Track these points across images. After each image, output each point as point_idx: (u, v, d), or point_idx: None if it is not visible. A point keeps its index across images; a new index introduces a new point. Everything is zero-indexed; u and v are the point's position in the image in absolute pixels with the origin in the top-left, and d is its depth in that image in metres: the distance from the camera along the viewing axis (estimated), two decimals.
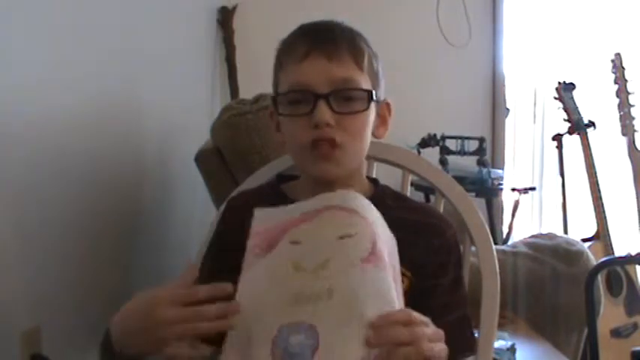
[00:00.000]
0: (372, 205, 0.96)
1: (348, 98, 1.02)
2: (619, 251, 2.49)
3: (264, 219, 0.94)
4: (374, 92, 1.04)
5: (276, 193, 1.12)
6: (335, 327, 0.81)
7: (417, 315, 0.84)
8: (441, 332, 0.86)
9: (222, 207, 1.17)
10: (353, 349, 0.80)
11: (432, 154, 2.42)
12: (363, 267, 0.85)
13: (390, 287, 0.85)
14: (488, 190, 2.53)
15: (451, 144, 2.48)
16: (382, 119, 1.10)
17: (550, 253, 2.24)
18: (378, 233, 0.90)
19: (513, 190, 2.66)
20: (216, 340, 0.86)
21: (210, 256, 1.11)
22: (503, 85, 2.99)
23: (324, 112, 0.99)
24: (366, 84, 1.04)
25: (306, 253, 0.87)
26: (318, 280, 0.84)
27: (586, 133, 2.55)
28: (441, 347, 0.85)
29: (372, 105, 1.05)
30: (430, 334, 0.84)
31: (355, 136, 1.03)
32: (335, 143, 1.00)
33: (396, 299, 0.85)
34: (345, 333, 0.81)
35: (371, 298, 0.83)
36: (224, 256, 1.05)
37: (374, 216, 0.93)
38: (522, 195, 2.70)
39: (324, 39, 1.03)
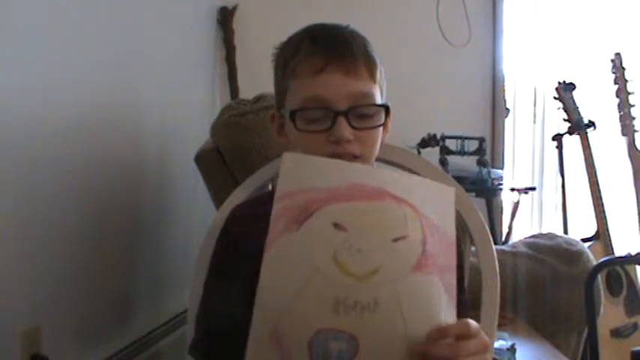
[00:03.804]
0: (417, 179, 0.93)
1: (365, 113, 1.02)
2: (619, 251, 2.49)
3: (294, 171, 0.86)
4: (389, 106, 1.05)
5: None
6: (376, 342, 0.80)
7: (461, 328, 0.83)
8: (486, 341, 0.84)
9: (222, 216, 1.16)
10: None
11: (432, 154, 2.41)
12: (412, 276, 0.83)
13: (436, 294, 0.84)
14: (488, 190, 2.52)
15: (451, 144, 2.47)
16: (384, 125, 1.10)
17: (550, 253, 2.24)
18: (429, 225, 0.86)
19: (513, 190, 2.66)
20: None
21: (220, 268, 1.09)
22: (503, 85, 2.98)
23: (344, 129, 0.99)
24: (378, 96, 1.04)
25: (353, 249, 0.82)
26: (365, 288, 0.81)
27: (586, 133, 2.55)
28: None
29: None
30: (473, 348, 0.82)
31: (372, 148, 1.04)
32: (356, 158, 1.01)
33: (441, 308, 0.83)
34: (387, 349, 0.81)
35: (416, 312, 0.82)
36: (235, 267, 1.03)
37: (423, 199, 0.88)
38: (522, 195, 2.69)
39: (342, 52, 1.01)
